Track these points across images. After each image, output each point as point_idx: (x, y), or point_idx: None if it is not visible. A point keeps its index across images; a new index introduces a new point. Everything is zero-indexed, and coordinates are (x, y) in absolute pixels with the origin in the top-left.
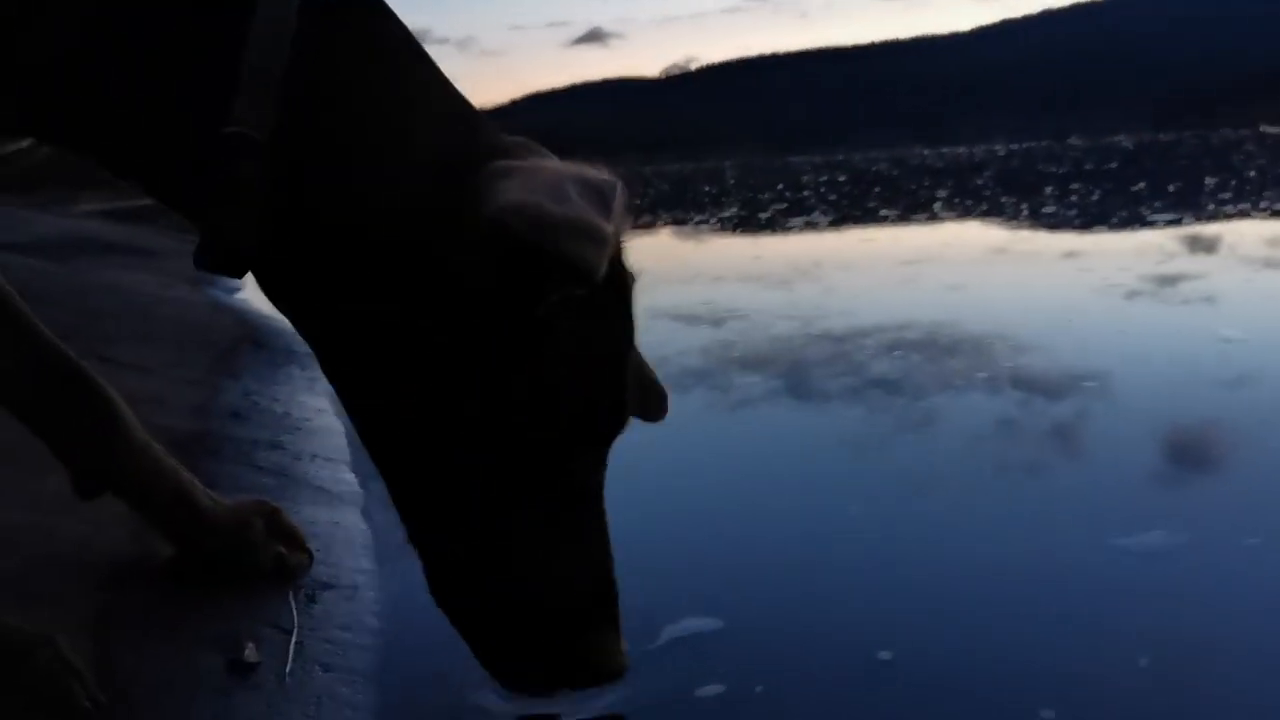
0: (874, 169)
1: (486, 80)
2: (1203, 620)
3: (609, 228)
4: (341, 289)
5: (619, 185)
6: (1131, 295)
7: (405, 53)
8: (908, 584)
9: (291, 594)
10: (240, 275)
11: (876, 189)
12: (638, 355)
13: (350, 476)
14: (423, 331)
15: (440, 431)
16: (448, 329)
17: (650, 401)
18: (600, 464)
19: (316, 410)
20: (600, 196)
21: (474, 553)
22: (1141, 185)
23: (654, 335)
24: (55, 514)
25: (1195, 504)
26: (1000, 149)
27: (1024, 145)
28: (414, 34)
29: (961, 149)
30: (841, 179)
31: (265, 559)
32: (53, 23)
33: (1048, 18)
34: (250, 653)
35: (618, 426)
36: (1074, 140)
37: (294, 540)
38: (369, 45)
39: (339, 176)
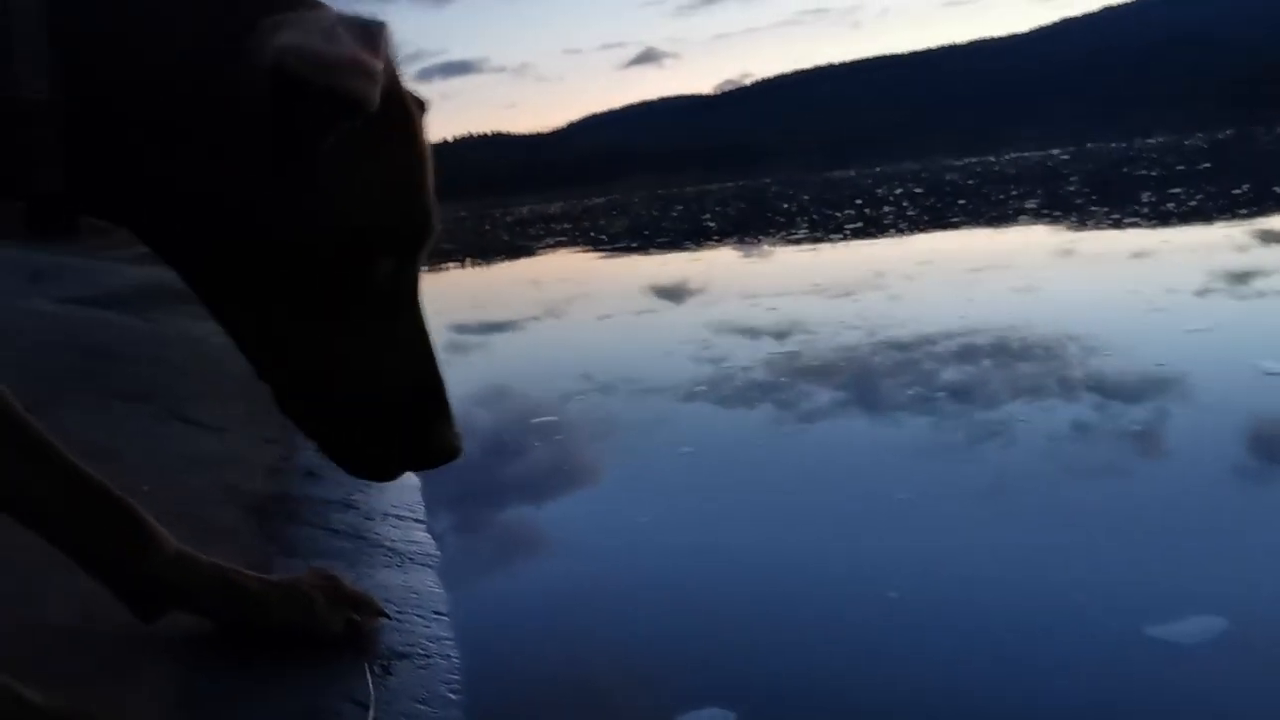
0: (947, 178)
1: (543, 105)
2: None
3: (378, 62)
4: (152, 168)
5: (385, 26)
6: (1203, 293)
7: None
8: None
9: (367, 665)
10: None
11: (960, 202)
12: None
13: (424, 535)
14: (224, 186)
15: (262, 270)
16: (244, 176)
17: None
18: (413, 274)
19: None
20: (368, 36)
21: (311, 368)
22: (1215, 184)
23: (718, 349)
24: None
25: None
26: (1061, 153)
27: (1085, 147)
28: (468, 63)
29: (1013, 154)
30: (919, 191)
31: (335, 628)
32: None
33: (1109, 14)
34: None
35: (421, 239)
36: (1148, 140)
37: (363, 605)
38: None
39: (127, 78)
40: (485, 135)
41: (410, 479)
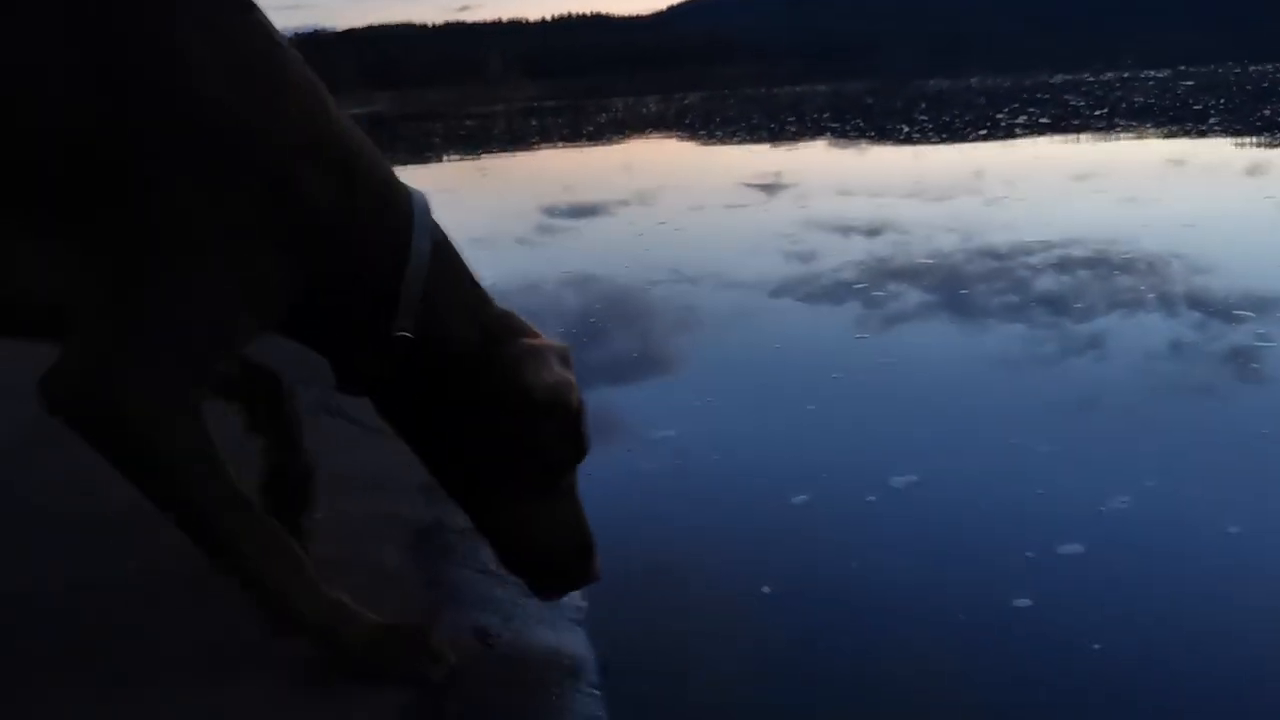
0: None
1: None
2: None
3: (574, 381)
4: (432, 411)
5: (570, 349)
6: None
7: (468, 277)
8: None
9: None
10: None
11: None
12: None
13: None
14: (479, 433)
15: (489, 478)
16: (493, 432)
17: None
18: (573, 474)
19: None
20: (566, 359)
21: (515, 527)
22: None
23: (807, 245)
24: None
25: None
26: (1165, 73)
27: (1182, 69)
28: None
29: (1111, 73)
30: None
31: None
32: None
33: None
34: None
35: (580, 459)
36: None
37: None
38: (454, 272)
39: (438, 350)
40: (584, 15)
41: None
